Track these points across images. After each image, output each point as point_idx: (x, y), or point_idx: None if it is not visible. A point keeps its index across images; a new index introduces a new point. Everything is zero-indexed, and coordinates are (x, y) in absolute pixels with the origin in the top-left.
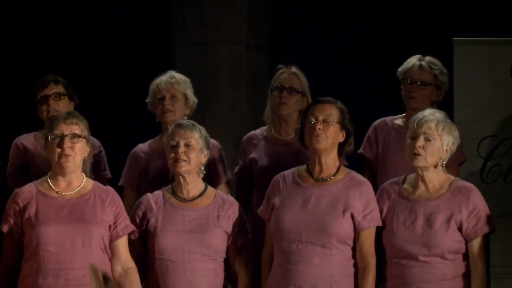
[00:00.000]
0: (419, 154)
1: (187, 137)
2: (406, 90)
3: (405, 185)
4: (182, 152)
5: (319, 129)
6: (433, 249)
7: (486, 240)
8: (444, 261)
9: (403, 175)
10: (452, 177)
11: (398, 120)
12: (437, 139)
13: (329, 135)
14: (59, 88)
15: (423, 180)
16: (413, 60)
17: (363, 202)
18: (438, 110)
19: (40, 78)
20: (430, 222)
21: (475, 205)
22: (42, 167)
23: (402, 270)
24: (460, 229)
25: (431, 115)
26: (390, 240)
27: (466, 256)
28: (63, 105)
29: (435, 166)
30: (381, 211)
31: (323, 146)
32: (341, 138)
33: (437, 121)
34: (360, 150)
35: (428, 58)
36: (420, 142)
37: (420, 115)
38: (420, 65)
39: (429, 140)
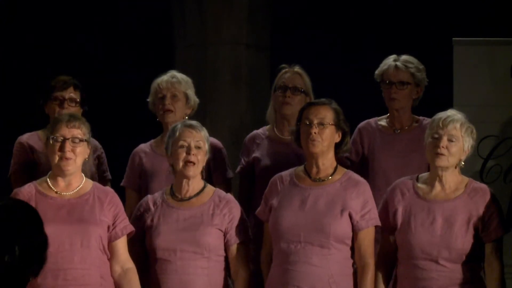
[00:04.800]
0: (442, 154)
1: (198, 139)
2: (386, 92)
3: (418, 184)
4: (194, 155)
5: (315, 133)
6: (454, 251)
7: (501, 241)
8: (461, 265)
9: (393, 175)
10: (466, 178)
11: (382, 121)
12: (460, 140)
13: (325, 138)
14: (77, 95)
15: (441, 181)
16: (389, 61)
17: (360, 202)
18: (458, 111)
19: (59, 76)
20: (450, 223)
21: (493, 207)
22: (48, 165)
23: (420, 272)
24: (478, 230)
25: (455, 115)
26: (408, 240)
27: (478, 260)
28: (75, 112)
29: (455, 167)
30: (396, 211)
31: (320, 149)
32: (337, 138)
33: (462, 122)
34: (346, 154)
35: (403, 57)
36: (444, 142)
37: (443, 114)
38: (396, 65)
39: (452, 141)
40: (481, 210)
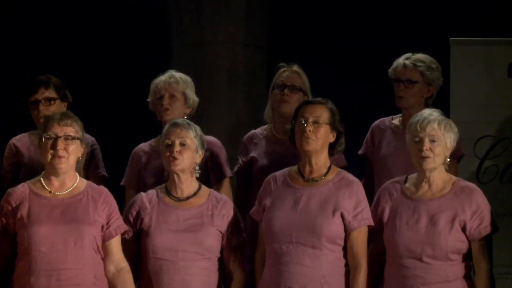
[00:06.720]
0: (428, 157)
1: (183, 136)
2: (395, 90)
3: (406, 185)
4: (177, 151)
5: (309, 131)
6: (437, 249)
7: (489, 240)
8: (447, 262)
9: (399, 174)
10: (454, 177)
11: (396, 120)
12: (441, 138)
13: (319, 137)
14: (50, 93)
15: (428, 181)
16: (399, 59)
17: (353, 202)
18: (434, 109)
19: (32, 80)
20: (434, 221)
21: (478, 205)
22: (31, 168)
23: (405, 270)
24: (463, 229)
25: (431, 115)
26: (393, 239)
27: (467, 257)
28: (54, 109)
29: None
30: (383, 211)
31: (313, 148)
32: (331, 138)
33: (439, 121)
34: (359, 151)
35: (416, 55)
36: (427, 144)
37: (419, 117)
38: (404, 64)
39: (434, 141)
40: (467, 208)
